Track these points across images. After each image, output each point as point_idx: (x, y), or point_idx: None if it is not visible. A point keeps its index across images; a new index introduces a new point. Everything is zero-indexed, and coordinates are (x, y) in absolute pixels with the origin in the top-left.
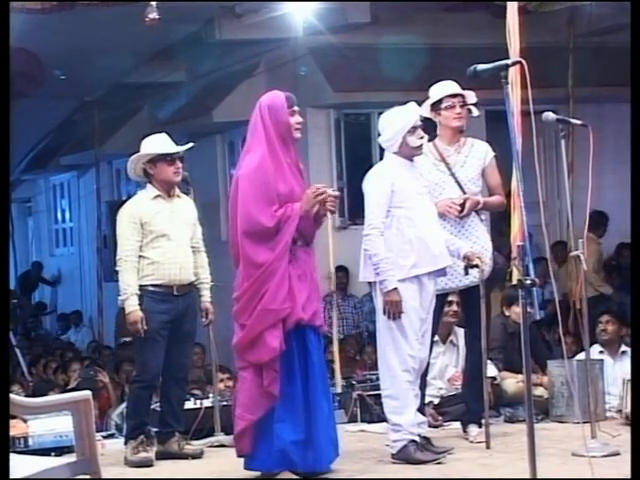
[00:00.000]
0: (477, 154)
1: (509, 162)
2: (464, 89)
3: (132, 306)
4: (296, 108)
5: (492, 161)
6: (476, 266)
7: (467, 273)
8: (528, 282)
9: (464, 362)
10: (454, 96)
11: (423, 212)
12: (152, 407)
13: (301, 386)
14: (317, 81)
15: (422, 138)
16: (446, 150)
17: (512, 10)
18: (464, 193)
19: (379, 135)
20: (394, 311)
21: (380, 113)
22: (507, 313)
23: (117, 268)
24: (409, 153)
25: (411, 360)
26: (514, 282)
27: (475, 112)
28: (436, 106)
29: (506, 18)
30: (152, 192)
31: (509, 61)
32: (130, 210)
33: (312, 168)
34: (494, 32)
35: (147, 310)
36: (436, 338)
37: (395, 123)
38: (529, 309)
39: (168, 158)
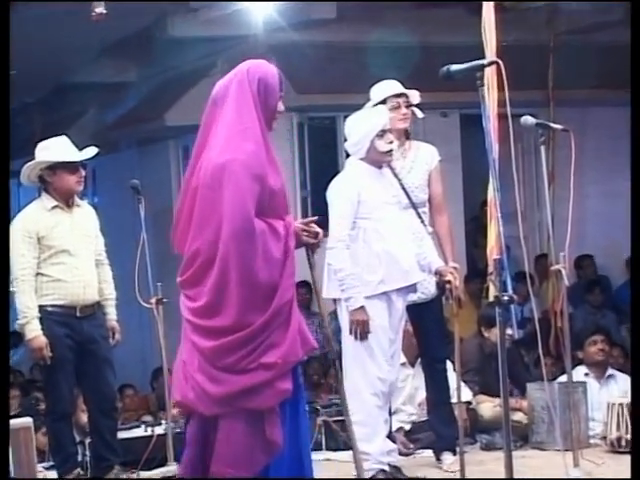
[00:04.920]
0: (424, 158)
1: (485, 169)
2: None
3: (34, 331)
4: (282, 93)
5: (438, 166)
6: (449, 282)
7: (442, 291)
8: (505, 299)
9: (425, 389)
10: (398, 96)
11: (392, 224)
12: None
13: (290, 423)
14: None
15: (391, 143)
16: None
17: (488, 7)
18: (411, 201)
19: (346, 140)
20: (361, 331)
21: (347, 117)
22: (486, 334)
23: (13, 289)
24: (377, 159)
25: (380, 383)
26: (491, 299)
27: (419, 114)
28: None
29: (482, 15)
30: (49, 202)
31: (485, 61)
32: (24, 223)
33: None
34: (469, 30)
35: (49, 334)
36: (403, 360)
37: (362, 126)
38: (507, 328)
39: (70, 166)
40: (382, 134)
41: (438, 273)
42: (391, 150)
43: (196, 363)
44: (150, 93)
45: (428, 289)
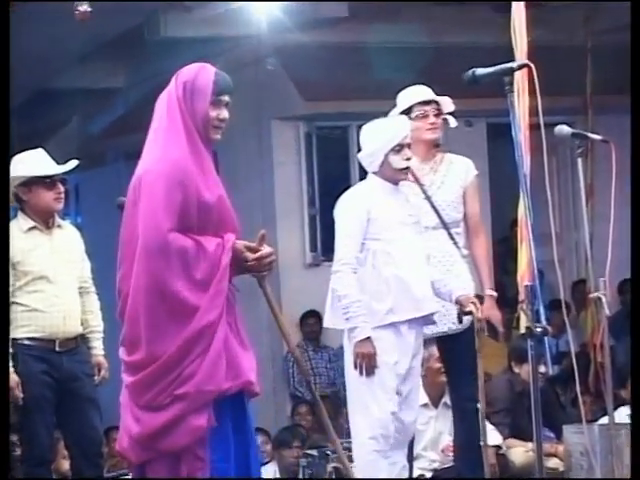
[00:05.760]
0: (457, 173)
1: (515, 185)
2: (455, 97)
3: None
4: (225, 98)
5: (474, 181)
6: (470, 313)
7: (461, 321)
8: (538, 330)
9: (453, 431)
10: (427, 103)
11: (405, 246)
12: None
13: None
14: (284, 88)
15: (409, 159)
16: (420, 169)
17: (518, 3)
18: (441, 220)
19: (359, 150)
20: (367, 365)
21: (360, 126)
22: (516, 370)
23: None
24: (391, 175)
25: (381, 425)
26: (522, 330)
27: (452, 123)
28: (406, 115)
29: (510, 12)
30: (25, 223)
31: (514, 64)
32: None
33: (278, 193)
34: (496, 29)
35: (23, 372)
36: (426, 400)
37: (378, 137)
38: (541, 364)
39: (47, 181)
40: (399, 149)
41: (458, 303)
42: (407, 168)
43: (127, 404)
44: (140, 100)
45: (455, 322)
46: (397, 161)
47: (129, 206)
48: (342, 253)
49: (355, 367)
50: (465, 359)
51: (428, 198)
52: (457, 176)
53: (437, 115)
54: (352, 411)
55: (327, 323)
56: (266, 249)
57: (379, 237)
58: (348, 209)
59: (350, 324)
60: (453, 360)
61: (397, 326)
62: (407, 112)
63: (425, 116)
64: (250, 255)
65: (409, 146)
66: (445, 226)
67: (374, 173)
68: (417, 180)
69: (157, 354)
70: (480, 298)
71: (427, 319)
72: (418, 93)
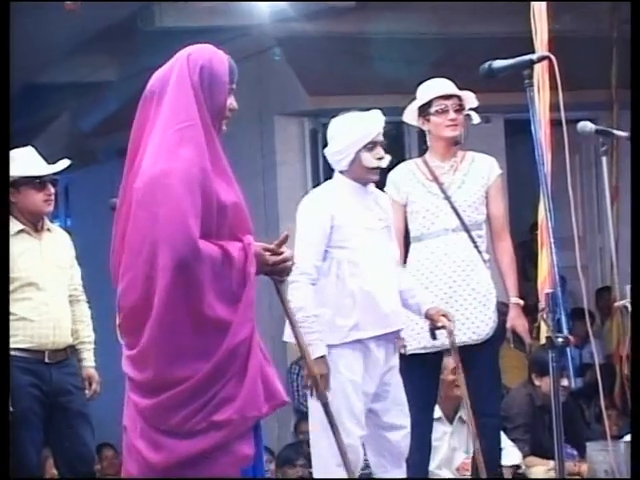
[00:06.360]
0: (479, 172)
1: (535, 186)
2: (470, 90)
3: None
4: (234, 86)
5: (497, 181)
6: (442, 327)
7: (434, 337)
8: (560, 341)
9: (473, 448)
10: (447, 97)
11: (374, 255)
12: None
13: None
14: (287, 81)
15: (381, 159)
16: (439, 167)
17: None
18: (462, 222)
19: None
20: (317, 388)
21: None
22: (537, 383)
23: None
24: (362, 175)
25: (349, 451)
26: (542, 341)
27: (476, 119)
28: (424, 110)
29: (530, 1)
30: (13, 226)
31: (534, 56)
32: None
33: (281, 193)
34: (514, 18)
35: (11, 384)
36: (439, 414)
37: (349, 133)
38: (563, 377)
39: (36, 181)
40: (372, 146)
41: (428, 317)
42: (379, 168)
43: (138, 428)
44: (133, 94)
45: (481, 328)
46: (369, 159)
47: (137, 209)
48: (300, 262)
49: (304, 387)
50: (486, 371)
51: (447, 198)
52: (479, 175)
53: (458, 111)
54: (316, 437)
55: (286, 336)
56: (287, 252)
57: (344, 245)
58: (309, 214)
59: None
60: (474, 373)
61: (364, 342)
62: (427, 107)
63: (445, 111)
64: (271, 258)
65: (382, 144)
66: (466, 228)
67: (341, 172)
68: (436, 179)
69: (183, 374)
70: (505, 307)
71: (396, 334)
72: (438, 86)
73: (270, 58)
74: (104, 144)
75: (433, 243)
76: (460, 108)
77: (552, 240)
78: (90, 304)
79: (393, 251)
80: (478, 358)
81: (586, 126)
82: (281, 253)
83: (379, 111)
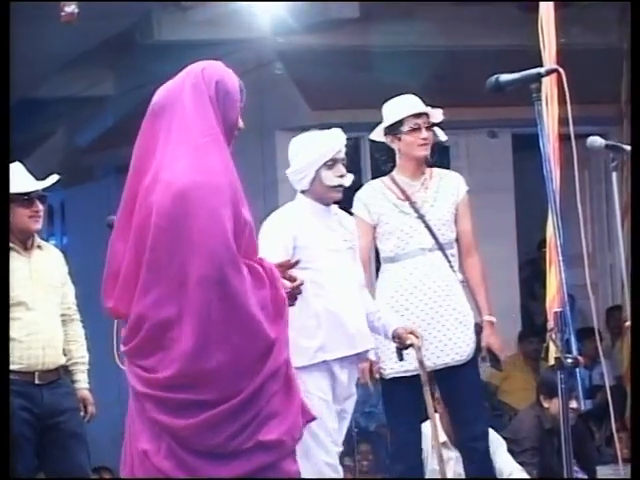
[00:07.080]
0: (449, 189)
1: (543, 202)
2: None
3: None
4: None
5: (465, 197)
6: (411, 346)
7: (401, 358)
8: (569, 361)
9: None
10: (418, 115)
11: (338, 276)
12: None
13: None
14: (289, 96)
15: (342, 177)
16: (410, 186)
17: (547, 2)
18: (436, 240)
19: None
20: None
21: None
22: (545, 405)
23: None
24: (323, 194)
25: (331, 471)
26: (551, 362)
27: (442, 136)
28: (395, 129)
29: (538, 12)
30: None
31: (542, 69)
32: None
33: None
34: (522, 30)
35: None
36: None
37: (309, 151)
38: (572, 399)
39: (24, 198)
40: (332, 164)
41: (396, 337)
42: (340, 186)
43: (164, 448)
44: (131, 109)
45: (462, 348)
46: (330, 178)
47: (161, 222)
48: None
49: None
50: (469, 393)
51: (421, 217)
52: (449, 192)
53: (428, 128)
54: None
55: None
56: (299, 278)
57: (308, 266)
58: (271, 235)
59: None
60: (456, 395)
61: (329, 364)
62: (397, 125)
63: (417, 129)
64: (287, 283)
65: (343, 162)
66: (440, 247)
67: (303, 192)
68: (408, 198)
69: (234, 391)
70: (479, 328)
71: (362, 355)
72: (411, 104)
73: (271, 72)
74: (101, 160)
75: (410, 264)
76: (430, 125)
77: (561, 258)
78: (85, 324)
79: (357, 272)
80: (462, 380)
81: (596, 141)
82: (295, 279)
83: (340, 129)
